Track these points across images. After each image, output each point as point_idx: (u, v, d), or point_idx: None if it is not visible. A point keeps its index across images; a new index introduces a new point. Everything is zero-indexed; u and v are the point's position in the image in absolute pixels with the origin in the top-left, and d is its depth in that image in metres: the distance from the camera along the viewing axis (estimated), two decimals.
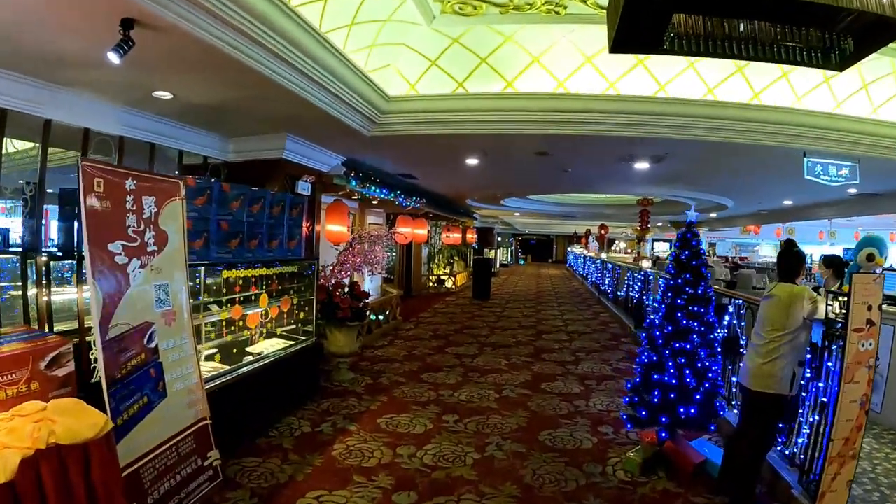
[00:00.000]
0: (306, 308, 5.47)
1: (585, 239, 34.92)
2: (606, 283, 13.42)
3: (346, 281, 6.46)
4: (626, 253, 34.49)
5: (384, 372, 6.31)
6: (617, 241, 40.70)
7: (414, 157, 7.12)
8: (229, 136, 6.06)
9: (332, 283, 6.06)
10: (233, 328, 4.51)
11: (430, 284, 15.44)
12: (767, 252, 34.55)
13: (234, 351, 4.49)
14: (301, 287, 5.44)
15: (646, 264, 9.11)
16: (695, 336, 3.78)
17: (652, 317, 4.22)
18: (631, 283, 9.41)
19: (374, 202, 9.81)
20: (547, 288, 18.88)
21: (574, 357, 7.40)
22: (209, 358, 4.24)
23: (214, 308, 4.21)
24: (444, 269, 16.84)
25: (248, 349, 4.70)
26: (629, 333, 9.10)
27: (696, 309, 3.82)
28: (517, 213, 19.35)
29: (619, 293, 11.41)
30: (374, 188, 7.73)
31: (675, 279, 3.91)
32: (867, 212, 10.36)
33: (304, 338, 5.31)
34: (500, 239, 37.78)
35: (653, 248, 31.84)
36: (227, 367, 4.16)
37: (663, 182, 8.76)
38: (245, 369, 4.27)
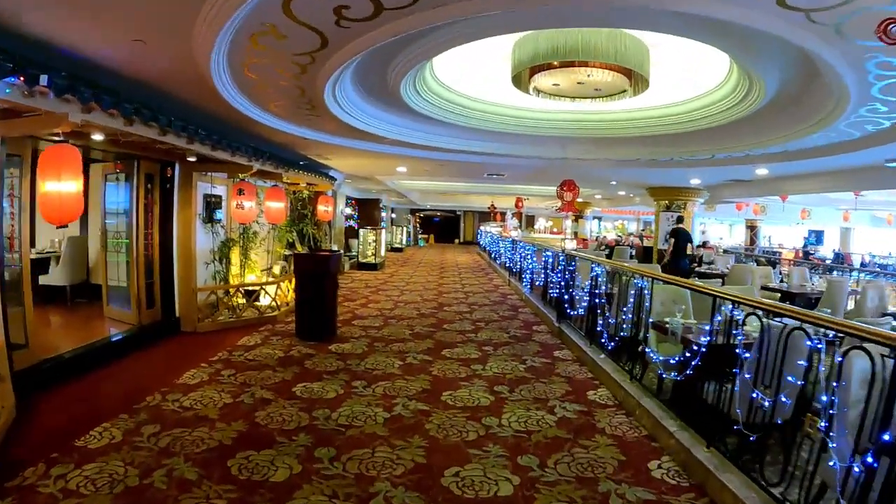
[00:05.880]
0: None
1: (501, 216, 28.31)
2: (579, 306, 6.45)
3: None
4: (551, 233, 28.47)
5: None
6: (537, 218, 34.74)
7: None
8: None
9: None
10: None
11: (231, 302, 7.41)
12: (720, 233, 30.00)
13: None
14: None
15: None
16: None
17: None
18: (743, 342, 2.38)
19: None
20: (454, 292, 11.61)
21: None
22: None
23: None
24: (264, 270, 8.88)
25: None
26: None
27: None
28: (402, 169, 11.81)
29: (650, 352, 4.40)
30: None
31: None
32: None
33: None
34: (394, 216, 30.17)
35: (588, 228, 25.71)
36: None
37: None
38: None
